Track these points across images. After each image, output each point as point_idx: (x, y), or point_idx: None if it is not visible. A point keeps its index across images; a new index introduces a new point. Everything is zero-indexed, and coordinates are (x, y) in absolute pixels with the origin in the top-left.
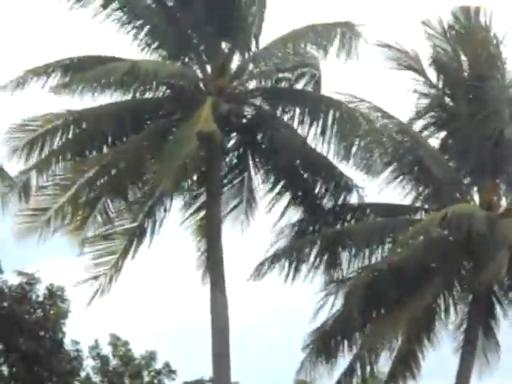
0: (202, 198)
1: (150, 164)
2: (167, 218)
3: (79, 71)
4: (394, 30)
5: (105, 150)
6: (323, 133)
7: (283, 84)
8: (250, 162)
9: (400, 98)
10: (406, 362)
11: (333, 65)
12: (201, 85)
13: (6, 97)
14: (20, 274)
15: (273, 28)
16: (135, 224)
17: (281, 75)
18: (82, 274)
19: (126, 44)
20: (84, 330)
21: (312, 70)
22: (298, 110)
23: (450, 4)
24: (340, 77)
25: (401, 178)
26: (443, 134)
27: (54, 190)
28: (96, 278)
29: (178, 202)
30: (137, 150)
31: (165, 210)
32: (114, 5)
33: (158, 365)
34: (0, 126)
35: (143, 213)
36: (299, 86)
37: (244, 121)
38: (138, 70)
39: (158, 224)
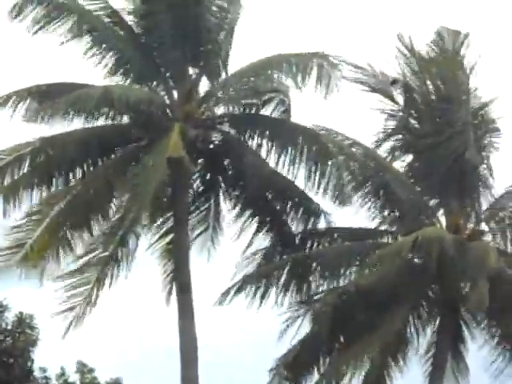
0: (169, 223)
1: (119, 192)
2: (138, 246)
3: (48, 98)
4: (365, 47)
5: (72, 177)
6: (292, 159)
7: (251, 110)
8: (218, 188)
9: (367, 119)
10: None
11: (298, 89)
12: (168, 110)
13: None
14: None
15: (242, 56)
16: (106, 253)
17: (248, 101)
18: (56, 306)
19: (91, 70)
20: (50, 358)
21: (280, 96)
22: (266, 137)
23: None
24: (306, 100)
25: (367, 202)
26: (409, 156)
27: (28, 225)
28: (71, 309)
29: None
30: (104, 179)
31: (137, 238)
32: (81, 30)
33: None
34: None
35: (114, 242)
36: (267, 111)
37: (211, 146)
38: (111, 95)
39: (131, 252)
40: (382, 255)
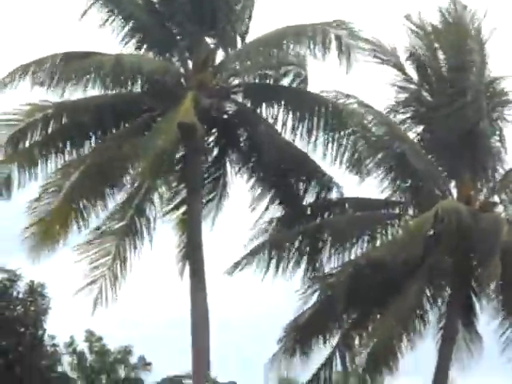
0: (183, 194)
1: (132, 162)
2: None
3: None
4: (375, 24)
5: (85, 145)
6: (308, 129)
7: (266, 81)
8: (230, 159)
9: (379, 91)
10: (385, 357)
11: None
12: (182, 80)
13: None
14: (1, 270)
15: (259, 27)
16: (124, 223)
17: (264, 72)
18: (78, 280)
19: (107, 38)
20: (60, 327)
21: (298, 68)
22: (281, 107)
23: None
24: (322, 72)
25: (380, 171)
26: (421, 128)
27: (45, 197)
28: (93, 282)
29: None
30: (117, 148)
31: (151, 205)
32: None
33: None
34: None
35: (131, 211)
36: (284, 83)
37: (225, 116)
38: (123, 64)
39: (150, 220)
40: (405, 230)
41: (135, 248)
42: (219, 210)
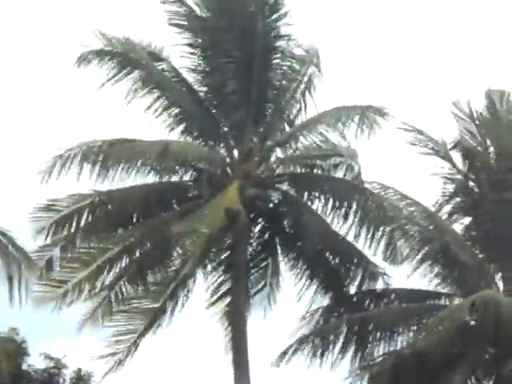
0: (228, 285)
1: (174, 247)
2: (191, 302)
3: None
4: (423, 111)
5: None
6: (347, 219)
7: (313, 170)
8: (276, 248)
9: (426, 182)
10: None
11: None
12: (227, 169)
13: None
14: (47, 357)
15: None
16: (156, 305)
17: (311, 162)
18: (99, 350)
19: (154, 125)
20: None
21: (348, 160)
22: (323, 196)
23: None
24: (365, 162)
25: (427, 263)
26: (468, 219)
27: (74, 264)
28: (114, 354)
29: (201, 286)
30: (161, 232)
31: (188, 292)
32: (147, 87)
33: None
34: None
35: (165, 295)
36: (338, 175)
37: (270, 206)
38: (170, 151)
39: (179, 305)
40: (440, 317)
41: (162, 328)
42: (271, 299)
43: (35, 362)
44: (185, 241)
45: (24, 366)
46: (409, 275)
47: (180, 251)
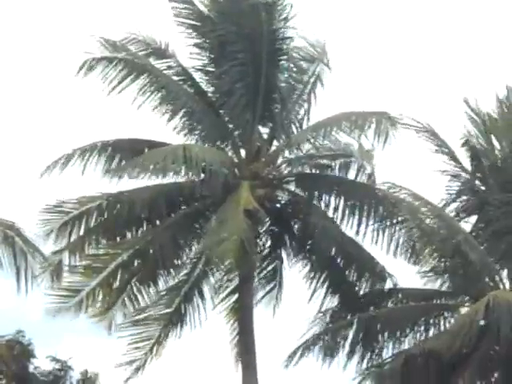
0: (235, 283)
1: (184, 249)
2: (203, 303)
3: (126, 155)
4: (430, 108)
5: (139, 233)
6: (360, 220)
7: (322, 171)
8: (284, 249)
9: (431, 178)
10: None
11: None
12: (235, 170)
13: (47, 176)
14: (53, 359)
15: (317, 112)
16: (170, 310)
17: (320, 162)
18: (116, 357)
19: (159, 126)
20: None
21: (361, 160)
22: (333, 197)
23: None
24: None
25: (434, 261)
26: (474, 217)
27: (86, 270)
28: (132, 362)
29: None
30: (171, 234)
31: (201, 294)
32: (152, 87)
33: None
34: (37, 206)
35: (179, 298)
36: (349, 175)
37: (278, 206)
38: (189, 155)
39: (196, 309)
40: (461, 321)
41: (179, 334)
42: (279, 300)
43: (41, 364)
44: (217, 252)
45: (30, 369)
46: (420, 274)
47: (215, 259)
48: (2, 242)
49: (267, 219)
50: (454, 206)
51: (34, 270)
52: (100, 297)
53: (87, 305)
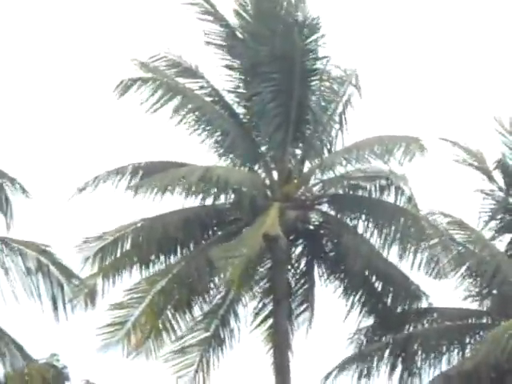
0: (270, 307)
1: (219, 272)
2: (239, 325)
3: (151, 175)
4: (464, 126)
5: (172, 257)
6: (391, 240)
7: (355, 192)
8: (317, 269)
9: (466, 195)
10: None
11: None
12: (267, 191)
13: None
14: (88, 383)
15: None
16: (208, 334)
17: (353, 183)
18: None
19: (194, 148)
20: None
21: (397, 183)
22: (365, 217)
23: None
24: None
25: (468, 281)
26: (508, 236)
27: (127, 299)
28: None
29: (248, 310)
30: (205, 259)
31: (236, 316)
32: (186, 109)
33: None
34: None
35: (216, 322)
36: (384, 198)
37: (311, 227)
38: (211, 175)
39: (235, 331)
40: (491, 337)
41: (219, 359)
42: (311, 321)
43: None
44: (225, 265)
45: None
46: (452, 292)
47: (222, 276)
48: (37, 271)
49: (300, 241)
50: (489, 225)
51: (69, 296)
52: (146, 325)
53: (134, 334)
